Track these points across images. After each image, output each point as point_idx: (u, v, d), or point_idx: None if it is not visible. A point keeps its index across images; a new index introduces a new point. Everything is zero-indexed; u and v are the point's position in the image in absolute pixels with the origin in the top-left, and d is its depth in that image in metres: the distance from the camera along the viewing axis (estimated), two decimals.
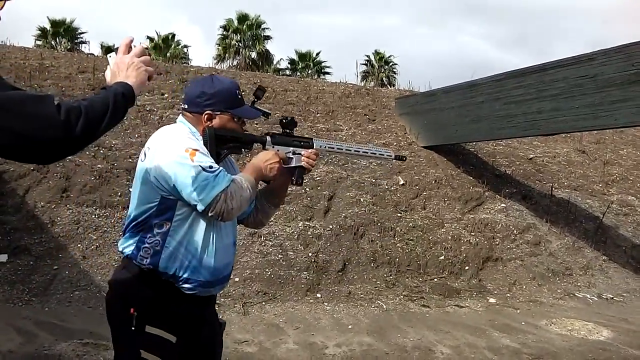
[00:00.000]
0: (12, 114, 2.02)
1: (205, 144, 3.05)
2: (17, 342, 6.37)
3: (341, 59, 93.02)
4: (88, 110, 2.16)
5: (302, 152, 3.35)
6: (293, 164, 3.34)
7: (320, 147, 3.45)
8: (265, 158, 3.21)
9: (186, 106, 3.21)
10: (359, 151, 3.61)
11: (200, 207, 2.88)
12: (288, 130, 3.40)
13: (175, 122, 3.26)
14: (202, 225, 3.05)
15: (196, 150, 2.94)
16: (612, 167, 14.68)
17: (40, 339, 6.51)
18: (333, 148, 3.52)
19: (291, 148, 3.34)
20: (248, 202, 3.05)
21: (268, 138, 3.32)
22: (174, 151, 2.93)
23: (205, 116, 3.13)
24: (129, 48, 2.62)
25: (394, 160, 3.73)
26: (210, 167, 2.90)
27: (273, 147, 3.30)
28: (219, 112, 3.15)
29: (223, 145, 3.14)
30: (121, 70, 2.53)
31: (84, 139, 2.16)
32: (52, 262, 8.12)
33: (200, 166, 2.88)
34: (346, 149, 3.55)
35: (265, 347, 7.03)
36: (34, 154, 2.12)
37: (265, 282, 8.59)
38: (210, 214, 2.90)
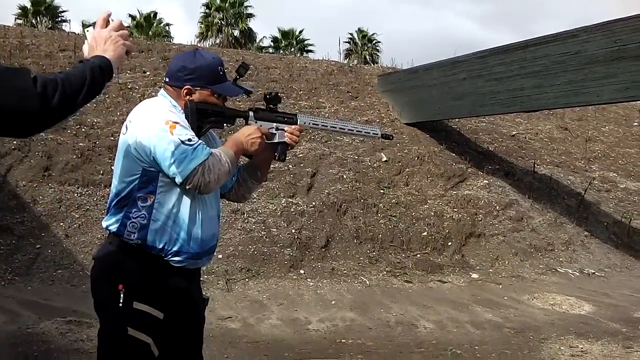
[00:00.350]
0: None
1: (186, 118, 3.03)
2: (0, 321, 6.35)
3: (324, 38, 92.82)
4: (65, 83, 2.14)
5: (286, 128, 3.31)
6: (276, 140, 3.31)
7: (305, 123, 3.40)
8: (247, 133, 3.18)
9: (167, 79, 3.19)
10: (344, 128, 3.58)
11: (178, 180, 2.87)
12: (272, 106, 3.36)
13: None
14: (188, 197, 3.03)
15: (176, 123, 2.92)
16: (594, 144, 14.78)
17: (24, 318, 6.49)
18: (317, 125, 3.47)
19: (274, 124, 3.31)
20: (226, 175, 3.03)
21: (251, 113, 3.29)
22: (153, 124, 2.92)
23: (185, 91, 3.10)
24: (106, 22, 2.60)
25: (380, 139, 3.70)
26: (190, 140, 2.89)
27: (256, 122, 3.26)
28: (199, 88, 3.11)
29: (204, 119, 3.12)
30: (99, 44, 2.50)
31: (60, 111, 2.14)
32: (35, 241, 8.09)
33: (180, 139, 2.86)
34: (331, 126, 3.51)
35: (248, 323, 7.05)
36: (10, 127, 2.09)
37: (249, 258, 8.60)
38: (187, 187, 2.90)
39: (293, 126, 3.32)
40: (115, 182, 3.10)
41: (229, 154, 3.04)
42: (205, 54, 3.24)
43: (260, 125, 3.25)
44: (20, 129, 2.13)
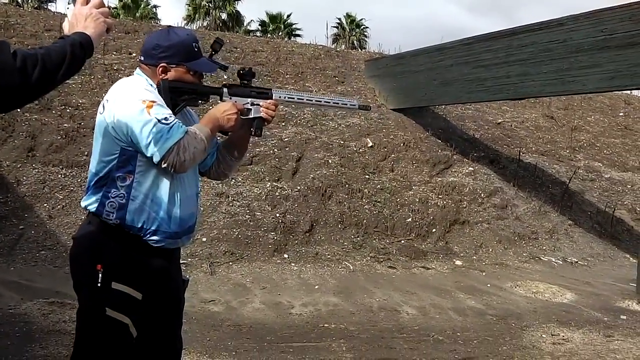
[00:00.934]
0: None
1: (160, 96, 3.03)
2: None
3: (312, 22, 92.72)
4: (45, 59, 2.13)
5: (261, 103, 3.28)
6: (252, 115, 3.28)
7: (280, 97, 3.36)
8: (223, 109, 3.15)
9: (142, 58, 3.18)
10: (320, 101, 3.52)
11: (155, 159, 2.86)
12: (246, 82, 3.32)
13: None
14: (166, 177, 3.02)
15: (153, 102, 2.91)
16: (580, 133, 14.82)
17: (6, 299, 6.47)
18: (293, 98, 3.41)
19: (249, 99, 3.28)
20: (202, 153, 3.02)
21: (225, 89, 3.26)
22: (130, 103, 2.90)
23: (160, 69, 3.09)
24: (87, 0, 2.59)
25: (358, 110, 3.68)
26: (166, 119, 2.88)
27: (230, 99, 3.24)
28: (174, 65, 3.10)
29: (178, 97, 3.11)
30: (79, 21, 2.50)
31: (40, 87, 2.13)
32: (18, 222, 8.07)
33: (156, 118, 2.85)
34: (307, 99, 3.45)
35: (231, 306, 7.05)
36: None
37: (233, 242, 8.59)
38: (163, 166, 2.89)
39: (268, 101, 3.29)
40: (93, 161, 3.07)
41: (204, 131, 3.02)
42: (179, 31, 3.24)
43: (235, 102, 3.23)
44: (0, 103, 2.10)
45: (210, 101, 3.26)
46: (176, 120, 2.92)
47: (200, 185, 3.39)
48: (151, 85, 3.07)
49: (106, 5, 2.64)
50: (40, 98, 2.30)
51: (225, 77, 10.64)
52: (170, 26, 3.43)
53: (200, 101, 3.23)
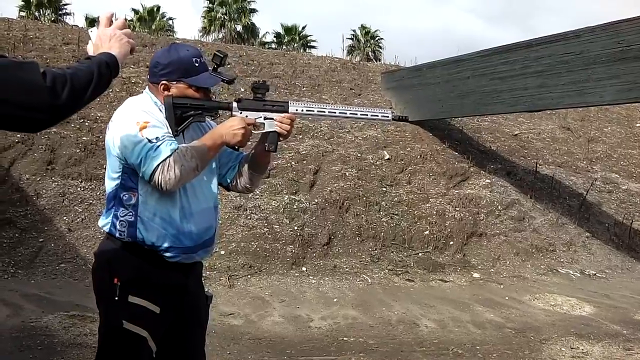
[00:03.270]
0: None
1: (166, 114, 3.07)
2: (3, 314, 6.37)
3: (327, 33, 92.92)
4: (73, 79, 2.14)
5: (275, 117, 3.21)
6: (265, 130, 3.22)
7: (297, 110, 3.25)
8: (230, 124, 3.11)
9: (149, 77, 3.22)
10: (345, 113, 3.33)
11: (146, 178, 2.92)
12: (260, 95, 3.24)
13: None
14: (174, 193, 3.04)
15: (147, 122, 2.96)
16: (597, 145, 14.76)
17: (27, 312, 6.52)
18: (312, 110, 3.29)
19: (262, 113, 3.21)
20: (193, 171, 2.98)
21: (234, 104, 3.21)
22: (126, 124, 2.96)
23: (161, 86, 3.12)
24: (110, 21, 2.63)
25: (392, 121, 3.48)
26: (157, 138, 2.91)
27: (240, 113, 3.20)
28: (174, 82, 3.12)
29: (184, 113, 3.11)
30: (104, 42, 2.54)
31: (69, 107, 2.15)
32: (38, 235, 8.12)
33: (147, 138, 2.90)
34: (329, 111, 3.34)
35: (251, 319, 7.07)
36: (19, 122, 2.08)
37: (251, 255, 8.62)
38: (151, 183, 2.92)
39: (283, 114, 3.22)
40: (106, 179, 3.16)
41: (199, 149, 3.01)
42: (180, 47, 3.22)
43: (246, 116, 3.19)
44: (30, 124, 2.11)
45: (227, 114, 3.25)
46: (166, 139, 2.94)
47: (218, 197, 3.40)
48: (155, 103, 3.11)
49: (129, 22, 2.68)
50: (67, 119, 2.31)
51: (242, 90, 10.69)
52: (174, 42, 3.43)
53: (208, 117, 3.23)
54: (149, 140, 2.89)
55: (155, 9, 49.33)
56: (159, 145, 2.89)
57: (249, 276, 8.27)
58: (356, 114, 3.33)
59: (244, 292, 7.85)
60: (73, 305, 6.78)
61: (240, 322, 6.96)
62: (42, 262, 7.78)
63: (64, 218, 8.43)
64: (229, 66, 3.20)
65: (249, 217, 9.19)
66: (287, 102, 3.27)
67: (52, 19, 41.57)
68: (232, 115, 3.21)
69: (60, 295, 7.13)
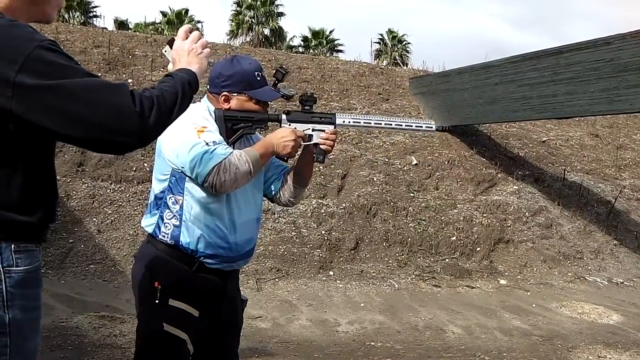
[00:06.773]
0: (87, 104, 1.95)
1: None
2: None
3: (354, 37, 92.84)
4: (160, 101, 2.12)
5: (323, 129, 3.27)
6: (313, 141, 3.27)
7: (344, 122, 3.32)
8: (280, 135, 3.17)
9: (208, 87, 3.25)
10: (390, 124, 3.36)
11: (199, 180, 2.94)
12: (307, 107, 3.30)
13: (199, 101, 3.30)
14: (219, 202, 3.09)
15: (204, 127, 3.01)
16: (625, 152, 14.67)
17: (57, 312, 6.60)
18: (359, 122, 3.35)
19: (310, 125, 3.27)
20: (246, 176, 3.02)
21: (284, 116, 3.27)
22: (183, 126, 2.97)
23: (222, 97, 3.16)
24: (187, 35, 2.64)
25: (435, 131, 3.51)
26: (214, 142, 2.95)
27: (289, 125, 3.25)
28: (235, 94, 3.16)
29: (234, 125, 3.15)
30: (182, 57, 2.55)
31: (156, 131, 2.13)
32: (68, 236, 8.20)
33: (204, 141, 2.93)
34: (375, 123, 3.36)
35: (278, 323, 7.11)
36: (108, 146, 2.06)
37: (279, 258, 8.66)
38: (205, 185, 2.95)
39: (327, 130, 3.27)
40: (153, 181, 3.21)
41: (252, 155, 3.05)
42: (242, 60, 3.26)
43: (295, 128, 3.24)
44: (118, 147, 2.08)
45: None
46: (221, 143, 2.99)
47: (261, 210, 3.44)
48: (212, 113, 3.15)
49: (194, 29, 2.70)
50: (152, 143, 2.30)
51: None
52: (235, 55, 3.46)
53: (258, 129, 3.25)
54: (206, 143, 2.93)
55: (183, 12, 49.50)
56: (215, 149, 2.93)
57: (276, 280, 8.31)
58: (401, 125, 3.38)
59: (271, 296, 7.89)
60: (103, 306, 6.85)
61: (268, 326, 7.00)
62: (72, 263, 7.86)
63: (94, 219, 8.51)
64: (266, 74, 3.22)
65: (276, 221, 9.23)
66: (335, 114, 3.32)
67: (81, 21, 41.86)
68: (280, 127, 3.25)
69: (90, 296, 7.20)
